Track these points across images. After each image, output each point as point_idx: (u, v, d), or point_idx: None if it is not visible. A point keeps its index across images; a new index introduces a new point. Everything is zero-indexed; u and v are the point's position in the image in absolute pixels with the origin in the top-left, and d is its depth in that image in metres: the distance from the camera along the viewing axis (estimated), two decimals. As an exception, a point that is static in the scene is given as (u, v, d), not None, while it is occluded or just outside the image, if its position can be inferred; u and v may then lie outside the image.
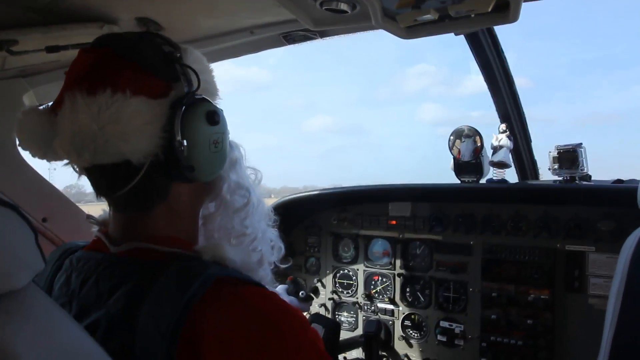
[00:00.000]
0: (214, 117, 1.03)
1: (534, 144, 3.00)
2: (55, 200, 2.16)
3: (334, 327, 2.19)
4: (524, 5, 1.37)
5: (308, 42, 1.97)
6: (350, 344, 2.48)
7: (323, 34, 1.86)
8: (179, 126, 0.97)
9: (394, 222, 2.86)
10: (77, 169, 1.07)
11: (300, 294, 2.25)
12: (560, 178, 2.37)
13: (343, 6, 1.41)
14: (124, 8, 1.54)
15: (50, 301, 0.86)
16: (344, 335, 2.91)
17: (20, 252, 0.79)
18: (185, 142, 0.97)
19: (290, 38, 1.94)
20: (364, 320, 2.98)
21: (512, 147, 2.51)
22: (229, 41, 1.87)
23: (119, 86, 0.95)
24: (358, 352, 2.61)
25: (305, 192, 3.07)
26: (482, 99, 2.87)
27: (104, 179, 1.04)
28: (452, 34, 1.73)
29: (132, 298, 0.94)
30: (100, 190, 1.06)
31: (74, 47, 1.54)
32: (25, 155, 2.05)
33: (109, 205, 1.11)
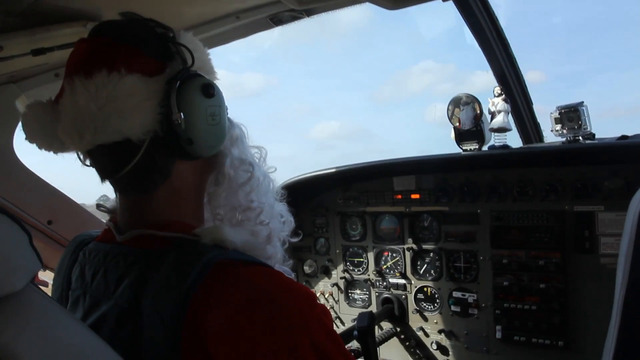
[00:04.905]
0: (209, 89, 1.03)
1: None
2: (59, 201, 2.17)
3: None
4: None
5: (296, 21, 1.94)
6: (344, 338, 2.37)
7: (310, 12, 1.83)
8: (175, 100, 0.98)
9: (399, 196, 2.85)
10: (82, 156, 1.10)
11: None
12: (564, 139, 2.33)
13: (326, -18, 1.38)
14: (106, 4, 1.52)
15: (50, 301, 0.86)
16: (349, 317, 2.91)
17: (14, 256, 0.80)
18: (182, 116, 0.98)
19: (278, 20, 1.91)
20: (377, 297, 2.99)
21: (509, 110, 2.46)
22: (216, 28, 1.85)
23: (114, 66, 0.97)
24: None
25: (308, 173, 3.06)
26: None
27: (106, 159, 1.05)
28: (440, 1, 1.71)
29: (137, 289, 0.95)
30: (105, 172, 1.08)
31: (60, 48, 1.52)
32: (25, 159, 2.06)
33: (115, 190, 1.13)
